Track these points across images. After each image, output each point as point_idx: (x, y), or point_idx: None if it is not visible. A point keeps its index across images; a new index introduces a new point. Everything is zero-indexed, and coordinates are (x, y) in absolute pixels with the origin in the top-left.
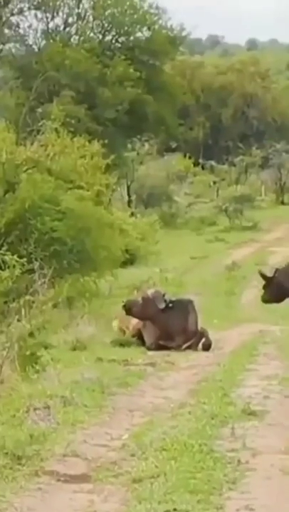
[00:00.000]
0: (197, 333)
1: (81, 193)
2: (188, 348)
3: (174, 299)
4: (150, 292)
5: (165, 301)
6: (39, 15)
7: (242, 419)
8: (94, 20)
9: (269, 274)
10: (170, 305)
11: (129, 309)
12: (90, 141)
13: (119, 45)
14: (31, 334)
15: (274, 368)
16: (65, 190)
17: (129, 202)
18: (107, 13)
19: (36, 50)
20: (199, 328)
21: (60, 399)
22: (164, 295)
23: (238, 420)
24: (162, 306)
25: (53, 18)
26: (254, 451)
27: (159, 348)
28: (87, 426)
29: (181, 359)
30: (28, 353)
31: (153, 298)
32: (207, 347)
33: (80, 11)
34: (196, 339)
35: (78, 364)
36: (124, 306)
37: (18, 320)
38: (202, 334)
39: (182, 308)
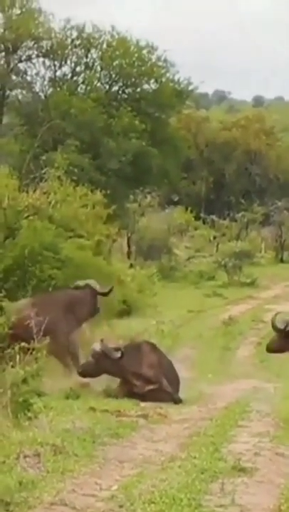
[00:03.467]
0: (158, 376)
1: (81, 242)
2: (153, 394)
3: (126, 344)
4: (97, 347)
5: (120, 349)
6: (47, 62)
7: (232, 475)
8: (101, 70)
9: (281, 325)
10: (122, 351)
11: (84, 372)
12: (92, 191)
13: (126, 96)
14: (25, 381)
15: (266, 425)
16: (66, 239)
17: (129, 253)
18: (115, 63)
19: (43, 97)
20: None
21: (50, 447)
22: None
23: (227, 476)
24: (118, 355)
25: (60, 66)
26: (242, 508)
27: (128, 395)
28: (76, 475)
29: (173, 412)
30: (20, 399)
31: (103, 351)
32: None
33: (88, 60)
34: (159, 384)
35: (70, 413)
36: (80, 374)
37: (13, 366)
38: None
39: (134, 351)
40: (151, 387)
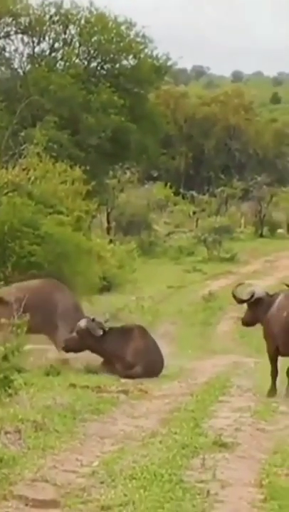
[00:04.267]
0: (137, 361)
1: (61, 218)
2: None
3: (118, 326)
4: (83, 323)
5: (102, 328)
6: (25, 39)
7: (213, 450)
8: (80, 46)
9: (246, 296)
10: (107, 330)
11: (68, 347)
12: (71, 167)
13: (105, 72)
14: (5, 357)
15: (246, 400)
16: (45, 215)
17: (109, 229)
18: (93, 39)
19: (21, 74)
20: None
21: (31, 423)
22: (105, 321)
23: (208, 451)
24: (99, 333)
25: (39, 42)
26: (223, 483)
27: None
28: (57, 451)
29: (154, 387)
30: (1, 376)
31: (87, 328)
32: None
33: (66, 36)
34: (141, 371)
35: (51, 389)
36: (63, 348)
37: None
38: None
39: (123, 334)
40: (129, 372)
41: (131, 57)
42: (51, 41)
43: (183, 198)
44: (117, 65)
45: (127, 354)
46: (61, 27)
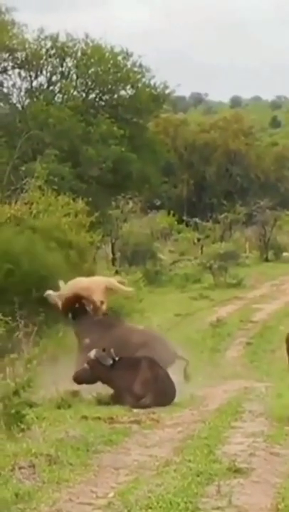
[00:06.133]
0: (146, 392)
1: (65, 251)
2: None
3: (127, 356)
4: (92, 353)
5: (113, 358)
6: (23, 74)
7: (228, 476)
8: (77, 78)
9: None
10: (117, 360)
11: (79, 379)
12: (74, 199)
13: (103, 103)
14: (16, 392)
15: (259, 425)
16: (49, 249)
17: (114, 260)
18: (90, 71)
19: (20, 108)
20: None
21: (45, 457)
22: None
23: (223, 478)
24: (109, 362)
25: (36, 76)
26: (240, 509)
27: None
28: (72, 484)
29: (166, 416)
30: (13, 411)
31: (97, 358)
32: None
33: (63, 69)
34: (151, 401)
35: (63, 422)
36: (74, 380)
37: (3, 378)
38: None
39: (131, 366)
40: (139, 403)
41: (129, 87)
42: (48, 75)
43: (186, 225)
44: (115, 96)
45: (134, 386)
46: (58, 60)
